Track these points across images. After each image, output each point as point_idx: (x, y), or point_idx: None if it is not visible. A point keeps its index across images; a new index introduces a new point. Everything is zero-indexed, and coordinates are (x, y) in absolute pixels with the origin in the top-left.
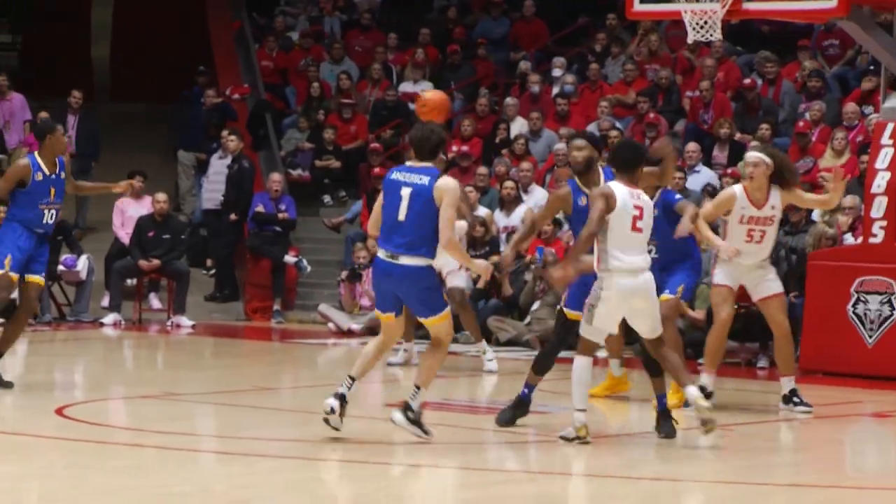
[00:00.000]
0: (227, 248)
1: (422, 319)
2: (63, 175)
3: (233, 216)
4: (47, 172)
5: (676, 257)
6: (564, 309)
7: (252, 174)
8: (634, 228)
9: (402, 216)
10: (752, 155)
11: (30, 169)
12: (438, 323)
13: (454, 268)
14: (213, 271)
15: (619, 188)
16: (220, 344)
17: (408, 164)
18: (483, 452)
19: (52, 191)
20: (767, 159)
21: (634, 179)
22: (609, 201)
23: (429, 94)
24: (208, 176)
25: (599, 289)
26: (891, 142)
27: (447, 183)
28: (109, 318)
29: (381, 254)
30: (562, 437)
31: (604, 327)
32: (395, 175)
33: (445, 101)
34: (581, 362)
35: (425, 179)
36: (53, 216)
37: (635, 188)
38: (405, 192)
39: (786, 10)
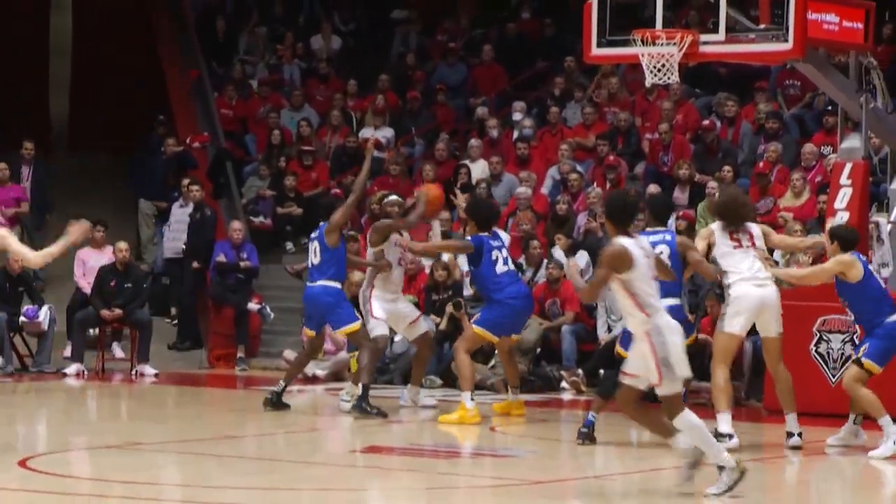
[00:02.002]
0: (190, 297)
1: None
2: None
3: (195, 264)
4: None
5: None
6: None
7: (213, 222)
8: None
9: None
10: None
11: None
12: None
13: (413, 317)
14: (175, 320)
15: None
16: (183, 393)
17: None
18: (449, 498)
19: None
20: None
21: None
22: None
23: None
24: (170, 225)
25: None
26: (849, 182)
27: None
28: (72, 369)
29: None
30: (724, 491)
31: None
32: None
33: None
34: (686, 418)
35: None
36: None
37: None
38: None
39: (742, 52)
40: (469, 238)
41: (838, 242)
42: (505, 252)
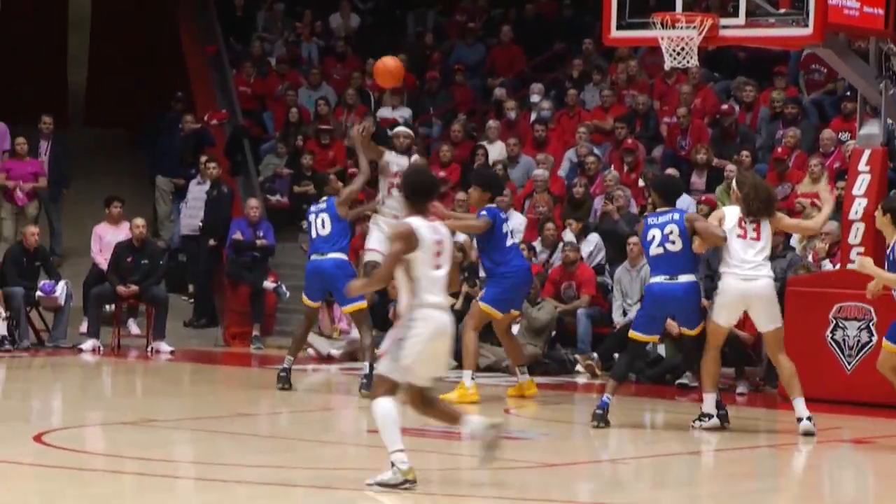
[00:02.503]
0: (206, 274)
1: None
2: None
3: (211, 242)
4: None
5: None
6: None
7: (230, 200)
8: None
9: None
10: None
11: None
12: None
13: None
14: (191, 297)
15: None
16: (198, 370)
17: None
18: (459, 479)
19: None
20: (735, 187)
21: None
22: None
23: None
24: (187, 202)
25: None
26: (867, 168)
27: None
28: (88, 345)
29: None
30: (379, 483)
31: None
32: None
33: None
34: (381, 404)
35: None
36: None
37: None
38: None
39: (762, 37)
40: (485, 212)
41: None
42: (511, 224)
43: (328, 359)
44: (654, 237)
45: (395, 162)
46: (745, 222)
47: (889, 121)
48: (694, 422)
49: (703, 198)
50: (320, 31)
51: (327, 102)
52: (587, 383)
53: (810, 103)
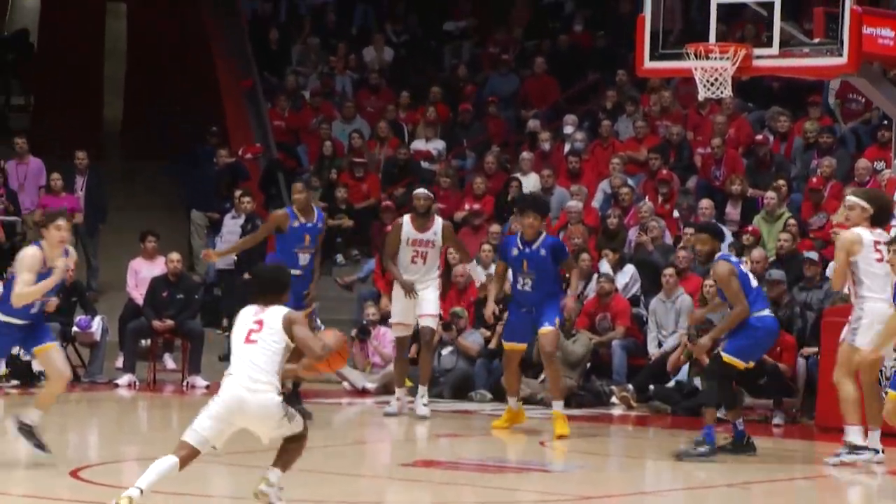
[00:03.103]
0: (242, 308)
1: None
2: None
3: (246, 275)
4: None
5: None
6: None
7: None
8: None
9: None
10: (849, 199)
11: None
12: None
13: (428, 311)
14: (227, 331)
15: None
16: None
17: None
18: None
19: None
20: (864, 203)
21: None
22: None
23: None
24: (222, 235)
25: None
26: None
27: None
28: (124, 379)
29: None
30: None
31: None
32: None
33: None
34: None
35: None
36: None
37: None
38: None
39: (796, 66)
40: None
41: None
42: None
43: (363, 392)
44: None
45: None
46: (880, 244)
47: None
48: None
49: (750, 228)
50: (354, 65)
51: (361, 135)
52: (623, 415)
53: (848, 132)
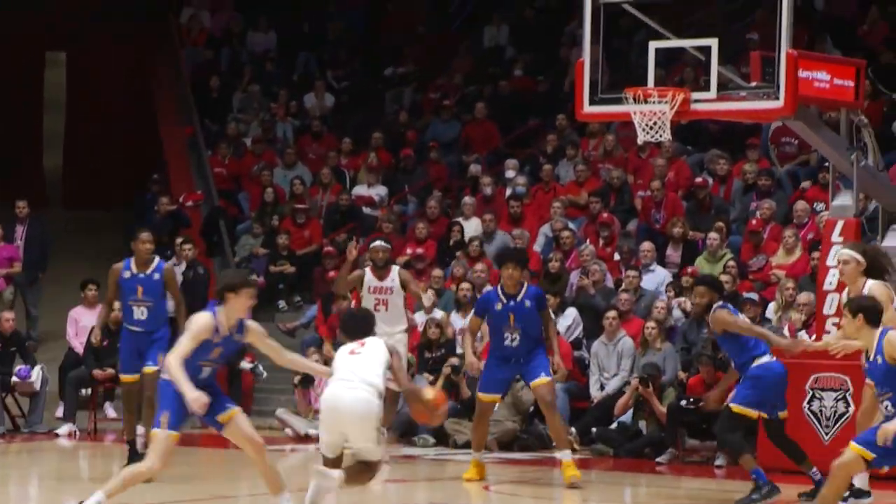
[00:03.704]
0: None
1: None
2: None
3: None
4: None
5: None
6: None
7: (206, 281)
8: None
9: None
10: (843, 252)
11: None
12: None
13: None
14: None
15: None
16: (176, 453)
17: None
18: None
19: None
20: (859, 256)
21: None
22: None
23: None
24: None
25: None
26: (841, 239)
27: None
28: (64, 429)
29: None
30: None
31: None
32: None
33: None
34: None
35: None
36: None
37: None
38: None
39: (733, 110)
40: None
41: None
42: None
43: (306, 438)
44: None
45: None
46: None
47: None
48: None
49: (690, 270)
50: (295, 111)
51: (302, 182)
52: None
53: (785, 174)
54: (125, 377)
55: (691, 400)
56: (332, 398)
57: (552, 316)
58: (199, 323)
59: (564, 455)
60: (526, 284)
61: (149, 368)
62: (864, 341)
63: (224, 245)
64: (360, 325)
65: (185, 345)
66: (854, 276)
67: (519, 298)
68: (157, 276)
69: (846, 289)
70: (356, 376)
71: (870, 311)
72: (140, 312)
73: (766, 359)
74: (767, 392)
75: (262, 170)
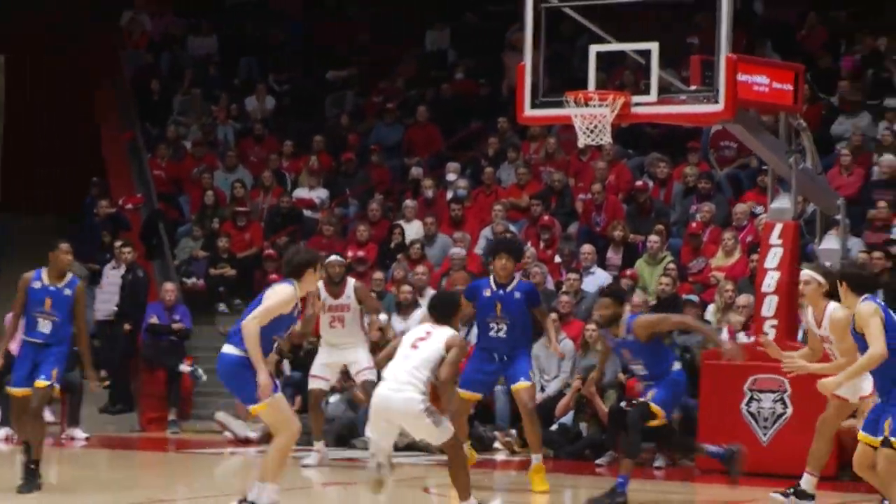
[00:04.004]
0: (122, 359)
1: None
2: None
3: (127, 326)
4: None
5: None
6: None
7: (146, 284)
8: None
9: None
10: (804, 272)
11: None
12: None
13: (365, 365)
14: (107, 383)
15: None
16: (115, 456)
17: None
18: None
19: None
20: (820, 278)
21: None
22: None
23: None
24: (102, 286)
25: None
26: (779, 241)
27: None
28: (0, 433)
29: None
30: None
31: None
32: None
33: None
34: None
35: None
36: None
37: None
38: None
39: (673, 113)
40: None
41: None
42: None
43: (246, 441)
44: None
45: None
46: None
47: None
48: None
49: (629, 272)
50: (236, 114)
51: (243, 185)
52: (506, 460)
53: (724, 178)
54: (16, 391)
55: (632, 402)
56: (381, 401)
57: (547, 311)
58: (284, 294)
59: (537, 458)
60: (518, 277)
61: (40, 383)
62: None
63: (164, 248)
64: (446, 310)
65: (264, 315)
66: (815, 297)
67: (509, 289)
68: (68, 291)
69: (809, 309)
70: (402, 378)
71: (853, 278)
72: (44, 325)
73: (678, 366)
74: (678, 399)
75: (202, 172)
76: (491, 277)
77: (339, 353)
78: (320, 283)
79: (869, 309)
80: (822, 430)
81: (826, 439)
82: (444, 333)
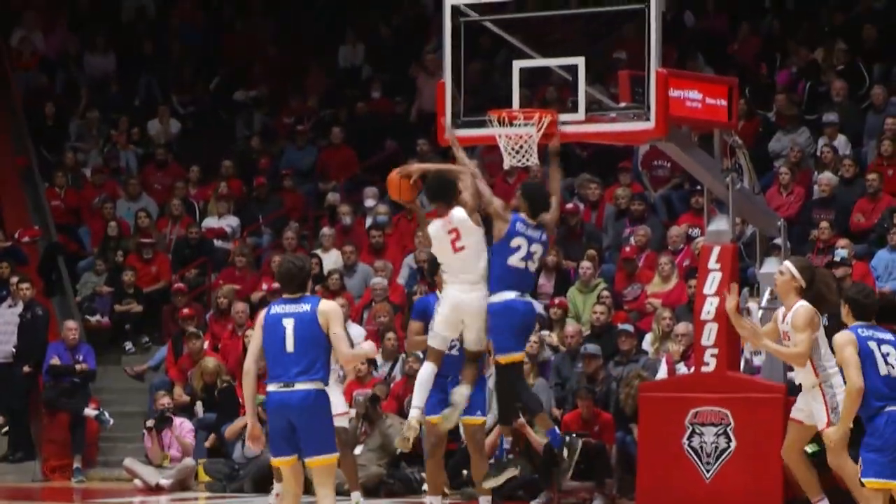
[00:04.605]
0: (21, 403)
1: (311, 460)
2: None
3: (26, 368)
4: None
5: None
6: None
7: (46, 322)
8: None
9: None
10: (785, 262)
11: None
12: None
13: (339, 410)
14: (5, 429)
15: None
16: None
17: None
18: None
19: None
20: (796, 273)
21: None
22: None
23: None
24: None
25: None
26: (717, 266)
27: (330, 305)
28: None
29: (275, 386)
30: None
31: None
32: (275, 309)
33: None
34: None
35: (306, 307)
36: None
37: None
38: (288, 323)
39: (603, 132)
40: None
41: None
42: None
43: (157, 489)
44: None
45: None
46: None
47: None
48: None
49: (557, 301)
50: (138, 139)
51: (148, 214)
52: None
53: (659, 199)
54: None
55: (573, 435)
56: (456, 302)
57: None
58: (339, 309)
59: (486, 501)
60: None
61: None
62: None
63: (64, 283)
64: (446, 191)
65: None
66: (786, 289)
67: None
68: None
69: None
70: (468, 278)
71: (854, 305)
72: None
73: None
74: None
75: (103, 202)
76: (437, 293)
77: None
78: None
79: (843, 339)
80: (791, 459)
81: (800, 465)
82: (461, 213)
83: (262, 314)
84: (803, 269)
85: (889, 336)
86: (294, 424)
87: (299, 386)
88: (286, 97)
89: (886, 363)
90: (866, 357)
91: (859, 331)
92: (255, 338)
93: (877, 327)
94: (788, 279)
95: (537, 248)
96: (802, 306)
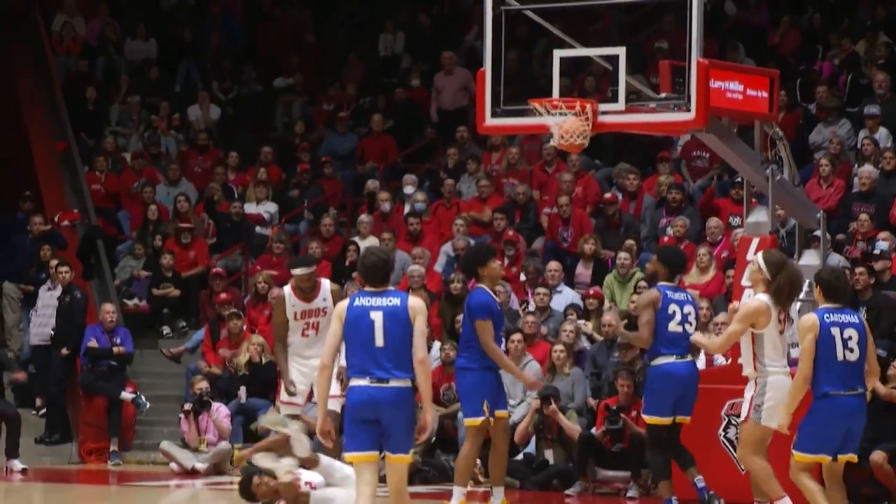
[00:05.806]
0: (59, 386)
1: (394, 457)
2: None
3: (64, 351)
4: None
5: None
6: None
7: (84, 305)
8: None
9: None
10: (758, 255)
11: None
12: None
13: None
14: (43, 411)
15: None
16: (51, 490)
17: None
18: None
19: None
20: (763, 266)
21: None
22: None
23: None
24: (36, 309)
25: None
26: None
27: (419, 301)
28: None
29: (364, 381)
30: None
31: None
32: (360, 301)
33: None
34: None
35: (396, 301)
36: None
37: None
38: (377, 316)
39: (643, 122)
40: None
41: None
42: None
43: (193, 472)
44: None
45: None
46: (781, 314)
47: (776, 207)
48: None
49: (592, 291)
50: (178, 124)
51: (187, 199)
52: (471, 491)
53: (697, 190)
54: None
55: (616, 408)
56: None
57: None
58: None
59: (499, 492)
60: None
61: None
62: None
63: (103, 267)
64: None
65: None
66: (754, 279)
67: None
68: None
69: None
70: None
71: (824, 284)
72: None
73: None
74: (663, 395)
75: (143, 186)
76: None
77: (311, 370)
78: (288, 290)
79: (806, 324)
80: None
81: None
82: None
83: (342, 305)
84: (771, 262)
85: (855, 319)
86: (382, 420)
87: (394, 383)
88: (324, 85)
89: (846, 347)
90: (825, 343)
91: (825, 316)
92: (334, 330)
93: (845, 310)
94: (756, 270)
95: (690, 310)
96: (754, 300)
